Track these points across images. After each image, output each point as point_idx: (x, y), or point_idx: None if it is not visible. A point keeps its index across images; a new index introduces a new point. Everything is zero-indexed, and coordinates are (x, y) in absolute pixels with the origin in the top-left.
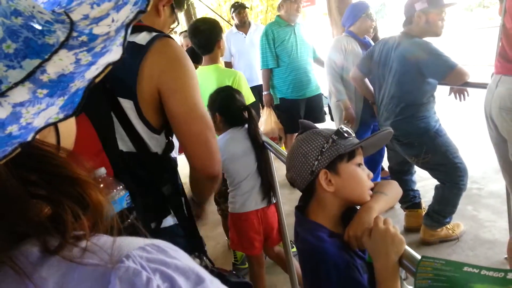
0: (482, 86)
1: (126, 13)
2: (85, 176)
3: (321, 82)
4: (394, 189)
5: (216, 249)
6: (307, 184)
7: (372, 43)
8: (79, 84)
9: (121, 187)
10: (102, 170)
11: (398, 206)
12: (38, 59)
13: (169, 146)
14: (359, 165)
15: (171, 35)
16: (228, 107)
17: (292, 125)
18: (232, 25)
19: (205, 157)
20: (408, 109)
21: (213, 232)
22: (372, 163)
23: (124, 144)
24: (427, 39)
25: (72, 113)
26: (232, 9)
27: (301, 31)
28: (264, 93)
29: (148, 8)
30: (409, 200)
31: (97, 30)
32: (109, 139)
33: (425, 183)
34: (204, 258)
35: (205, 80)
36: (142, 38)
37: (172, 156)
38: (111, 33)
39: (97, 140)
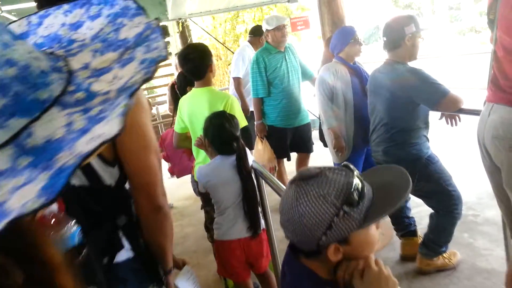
0: (475, 113)
1: (131, 72)
2: (57, 259)
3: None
4: (388, 229)
5: (207, 277)
6: None
7: (363, 68)
8: (65, 158)
9: (72, 223)
10: (53, 208)
11: (394, 233)
12: (26, 118)
13: (123, 178)
14: None
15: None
16: (218, 136)
17: (279, 152)
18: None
19: (152, 188)
20: (399, 136)
21: (204, 259)
22: None
23: (77, 178)
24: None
25: (51, 199)
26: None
27: (291, 56)
28: (257, 122)
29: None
30: (405, 227)
31: (96, 86)
32: None
33: (420, 209)
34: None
35: (197, 102)
36: None
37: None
38: (111, 94)
39: None
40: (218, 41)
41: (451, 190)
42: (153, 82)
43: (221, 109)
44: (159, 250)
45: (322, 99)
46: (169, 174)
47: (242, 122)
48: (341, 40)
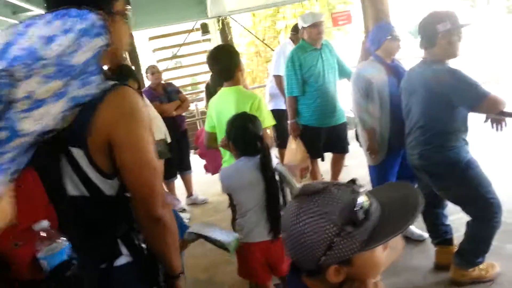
0: None
1: (57, 111)
2: None
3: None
4: (399, 242)
5: (235, 275)
6: None
7: (401, 66)
8: None
9: (63, 239)
10: (44, 224)
11: (429, 240)
12: None
13: (123, 188)
14: None
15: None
16: (241, 138)
17: (313, 152)
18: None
19: (148, 200)
20: (436, 138)
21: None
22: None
23: (77, 189)
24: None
25: None
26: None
27: (328, 54)
28: (291, 121)
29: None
30: (440, 235)
31: (23, 124)
32: (55, 189)
33: (458, 216)
34: None
35: (225, 101)
36: (96, 85)
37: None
38: (24, 139)
39: (43, 193)
40: (257, 38)
41: (490, 197)
42: (196, 78)
43: (247, 108)
44: (162, 257)
45: (357, 98)
46: (204, 171)
47: (270, 121)
48: (378, 36)
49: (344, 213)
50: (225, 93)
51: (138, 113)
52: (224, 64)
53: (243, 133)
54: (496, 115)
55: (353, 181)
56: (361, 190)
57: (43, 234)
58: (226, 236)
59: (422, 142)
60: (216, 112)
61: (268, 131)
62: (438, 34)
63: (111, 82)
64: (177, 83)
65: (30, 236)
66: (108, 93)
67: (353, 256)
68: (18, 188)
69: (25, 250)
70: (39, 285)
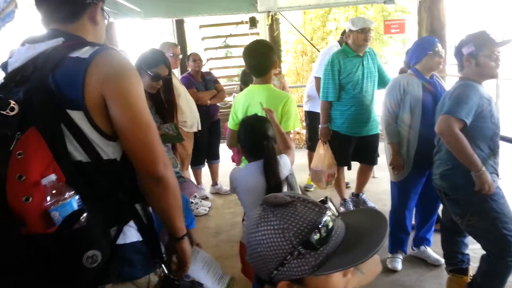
0: None
1: None
2: None
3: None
4: (373, 267)
5: None
6: None
7: (442, 83)
8: None
9: (72, 192)
10: (52, 177)
11: (443, 266)
12: None
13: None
14: None
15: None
16: (249, 138)
17: (341, 160)
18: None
19: (148, 159)
20: (458, 160)
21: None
22: (426, 212)
23: (80, 154)
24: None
25: None
26: None
27: (370, 62)
28: (322, 126)
29: None
30: (456, 263)
31: None
32: (59, 149)
33: (477, 246)
34: (163, 266)
35: (255, 99)
36: (84, 51)
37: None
38: None
39: (48, 152)
40: (304, 37)
41: (508, 234)
42: (229, 73)
43: (280, 108)
44: (165, 218)
45: (387, 112)
46: (231, 162)
47: (296, 124)
48: (418, 50)
49: (301, 234)
50: (256, 90)
51: (127, 71)
52: (260, 60)
53: (251, 134)
54: None
55: (323, 201)
56: (329, 212)
57: (51, 187)
58: (216, 285)
59: (445, 162)
60: (243, 109)
61: (291, 135)
62: (463, 57)
63: (98, 46)
64: (224, 72)
65: (40, 189)
66: (96, 54)
67: (305, 278)
68: (23, 145)
69: (35, 203)
70: (52, 236)
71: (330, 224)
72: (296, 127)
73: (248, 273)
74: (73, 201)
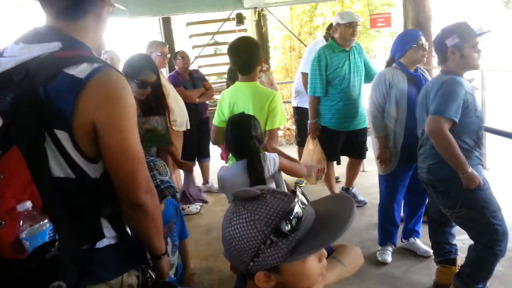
0: None
1: None
2: None
3: None
4: (354, 259)
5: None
6: None
7: (426, 76)
8: None
9: (45, 221)
10: (27, 204)
11: (432, 257)
12: None
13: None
14: None
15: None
16: (232, 139)
17: (330, 155)
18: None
19: (130, 188)
20: None
21: None
22: (414, 204)
23: (62, 170)
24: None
25: None
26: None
27: (356, 56)
28: (311, 121)
29: None
30: (443, 254)
31: None
32: (39, 168)
33: (466, 237)
34: (149, 270)
35: (241, 96)
36: (81, 70)
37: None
38: None
39: (27, 174)
40: (291, 32)
41: (496, 223)
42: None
43: (266, 106)
44: (143, 239)
45: (374, 106)
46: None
47: (282, 121)
48: (402, 44)
49: (272, 223)
50: (241, 88)
51: (122, 97)
52: (245, 58)
53: (233, 135)
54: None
55: (293, 192)
56: (297, 201)
57: (26, 214)
58: None
59: (431, 156)
60: (229, 107)
61: (281, 132)
62: (447, 49)
63: (97, 65)
64: (213, 70)
65: (14, 216)
66: (92, 75)
67: (281, 265)
68: (3, 166)
69: (8, 229)
70: (20, 264)
71: (299, 212)
72: (283, 124)
73: (236, 270)
74: (45, 233)
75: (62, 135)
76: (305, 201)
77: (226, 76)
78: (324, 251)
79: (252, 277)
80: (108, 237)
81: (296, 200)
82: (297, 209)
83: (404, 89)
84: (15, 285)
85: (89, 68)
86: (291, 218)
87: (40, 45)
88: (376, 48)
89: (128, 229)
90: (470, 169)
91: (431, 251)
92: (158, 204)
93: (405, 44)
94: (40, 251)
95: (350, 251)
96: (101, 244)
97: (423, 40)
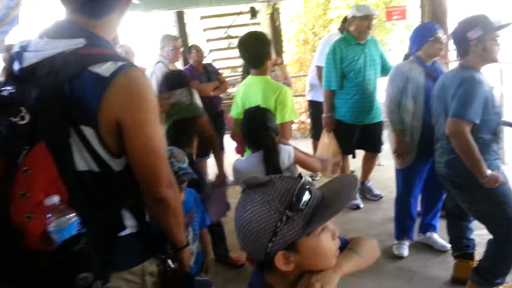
0: None
1: None
2: None
3: None
4: (370, 251)
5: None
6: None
7: (443, 70)
8: None
9: (72, 214)
10: (55, 199)
11: (450, 251)
12: None
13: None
14: (322, 228)
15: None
16: (248, 130)
17: (345, 148)
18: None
19: (151, 182)
20: None
21: None
22: (432, 199)
23: (86, 164)
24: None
25: None
26: None
27: (372, 49)
28: (326, 115)
29: None
30: (461, 248)
31: None
32: (66, 163)
33: (485, 231)
34: (168, 260)
35: (251, 90)
36: (106, 69)
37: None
38: None
39: (54, 169)
40: (305, 25)
41: None
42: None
43: (273, 99)
44: (166, 232)
45: (390, 99)
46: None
47: (293, 115)
48: (418, 37)
49: (285, 200)
50: (252, 81)
51: (145, 95)
52: (254, 52)
53: (251, 124)
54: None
55: (299, 176)
56: (304, 180)
57: (53, 208)
58: None
59: (450, 150)
60: (241, 99)
61: (296, 125)
62: (470, 42)
63: (121, 63)
64: (227, 63)
65: (42, 209)
66: (117, 73)
67: (297, 240)
68: (30, 161)
69: (37, 222)
70: (48, 256)
71: (309, 188)
72: (293, 118)
73: (253, 261)
74: (73, 226)
75: (88, 131)
76: (311, 182)
77: (241, 69)
78: (336, 230)
79: (270, 267)
80: (130, 226)
81: (303, 179)
82: (306, 184)
83: (421, 83)
84: (43, 277)
85: (114, 66)
86: (303, 193)
87: (64, 41)
88: (391, 41)
89: (148, 219)
90: (489, 172)
91: (449, 245)
92: (179, 198)
93: (422, 38)
94: (68, 243)
95: (366, 243)
96: (123, 232)
97: (440, 33)
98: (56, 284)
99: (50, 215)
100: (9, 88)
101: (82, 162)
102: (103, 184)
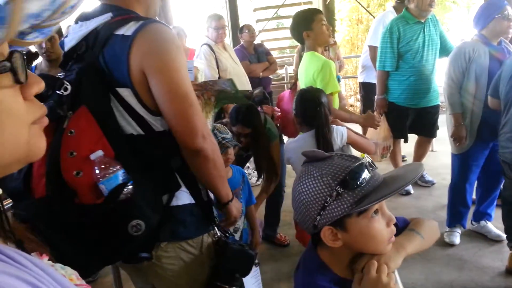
0: None
1: None
2: None
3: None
4: (431, 233)
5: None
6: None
7: (510, 50)
8: None
9: (118, 166)
10: (99, 153)
11: (505, 242)
12: None
13: None
14: (376, 211)
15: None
16: (301, 107)
17: (397, 132)
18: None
19: (186, 133)
20: None
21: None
22: (488, 186)
23: (132, 128)
24: None
25: None
26: None
27: (432, 29)
28: (378, 97)
29: None
30: None
31: None
32: (109, 125)
33: None
34: (215, 228)
35: (301, 66)
36: (128, 28)
37: None
38: None
39: (97, 129)
40: (360, 4)
41: None
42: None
43: (311, 74)
44: (209, 187)
45: (451, 80)
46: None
47: (333, 87)
48: (485, 14)
49: (339, 177)
50: (303, 58)
51: (166, 42)
52: (292, 32)
53: (301, 104)
54: None
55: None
56: (365, 161)
57: (99, 161)
58: None
59: None
60: (299, 77)
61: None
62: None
63: (143, 21)
64: (276, 44)
65: (89, 164)
66: (139, 30)
67: (346, 219)
68: (74, 123)
69: (86, 177)
70: (99, 208)
71: (366, 170)
72: (334, 90)
73: (302, 238)
74: (118, 175)
75: (124, 92)
76: (373, 164)
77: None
78: (393, 217)
79: (323, 243)
80: (185, 193)
81: (362, 160)
82: (363, 165)
83: (485, 64)
84: (100, 224)
85: (135, 25)
86: (358, 172)
87: (94, 19)
88: (451, 21)
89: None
90: None
91: (504, 235)
92: (217, 149)
93: (489, 15)
94: (114, 192)
95: (428, 224)
96: (180, 201)
97: (509, 10)
98: (111, 234)
99: (97, 168)
100: (60, 74)
101: (125, 125)
102: (149, 144)
